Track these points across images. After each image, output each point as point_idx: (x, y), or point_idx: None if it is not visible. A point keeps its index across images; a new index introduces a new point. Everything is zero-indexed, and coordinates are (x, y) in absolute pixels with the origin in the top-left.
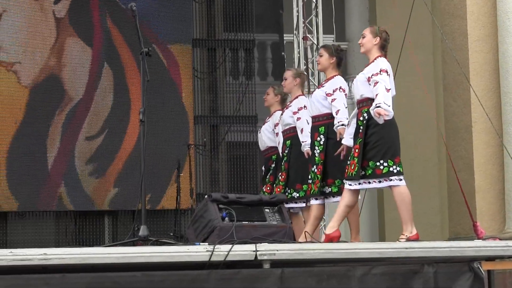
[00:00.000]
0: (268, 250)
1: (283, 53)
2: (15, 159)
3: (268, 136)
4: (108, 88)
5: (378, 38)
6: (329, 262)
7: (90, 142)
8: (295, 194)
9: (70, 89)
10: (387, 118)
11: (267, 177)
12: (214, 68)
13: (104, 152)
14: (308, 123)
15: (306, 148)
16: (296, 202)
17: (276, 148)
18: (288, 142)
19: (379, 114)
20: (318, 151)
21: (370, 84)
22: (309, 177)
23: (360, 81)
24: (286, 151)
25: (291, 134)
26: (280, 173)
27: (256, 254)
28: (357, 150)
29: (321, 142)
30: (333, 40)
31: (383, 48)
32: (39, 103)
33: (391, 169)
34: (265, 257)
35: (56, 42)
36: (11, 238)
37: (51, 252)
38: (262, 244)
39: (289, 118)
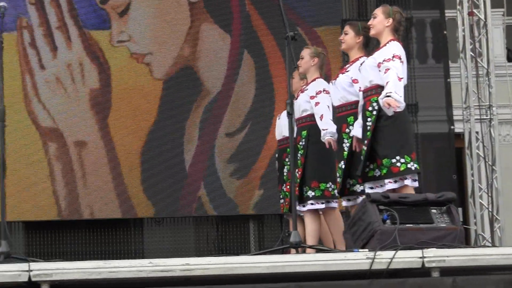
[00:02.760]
0: (437, 256)
1: (445, 32)
2: (149, 159)
3: (286, 124)
4: (249, 78)
5: (391, 20)
6: (509, 269)
7: (230, 139)
8: (310, 193)
9: (207, 81)
10: (398, 110)
11: (285, 174)
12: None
13: (247, 150)
14: (329, 109)
15: (327, 137)
16: (312, 203)
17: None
18: (304, 132)
19: (389, 105)
20: (348, 144)
21: (380, 71)
22: (337, 174)
23: (370, 66)
24: (301, 143)
25: (307, 123)
26: (296, 169)
27: (423, 261)
28: (364, 147)
29: (351, 135)
30: (503, 14)
31: (397, 31)
32: (174, 97)
33: (409, 165)
34: (434, 264)
35: (190, 29)
36: (148, 246)
37: (194, 262)
38: (430, 249)
39: (306, 103)
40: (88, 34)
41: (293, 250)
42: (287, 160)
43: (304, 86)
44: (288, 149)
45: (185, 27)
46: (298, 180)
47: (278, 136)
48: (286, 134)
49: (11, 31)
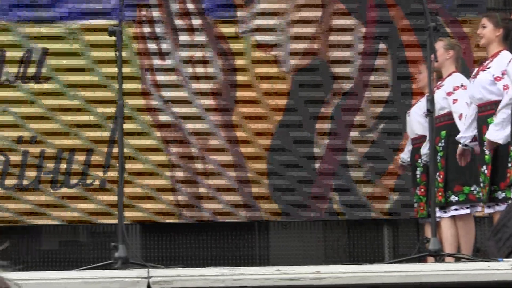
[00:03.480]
0: None
1: None
2: (277, 158)
3: (419, 120)
4: (385, 72)
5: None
6: None
7: (364, 138)
8: (454, 198)
9: (340, 74)
10: None
11: (419, 176)
12: None
13: (381, 149)
14: (468, 107)
15: (463, 141)
16: (456, 209)
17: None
18: (443, 132)
19: None
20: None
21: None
22: (480, 179)
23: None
24: (440, 144)
25: (446, 122)
26: (438, 173)
27: None
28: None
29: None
30: None
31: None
32: (304, 92)
33: None
34: None
35: (322, 19)
36: (274, 252)
37: (325, 270)
38: None
39: (443, 100)
40: (212, 23)
41: (430, 259)
42: (419, 161)
43: (440, 82)
44: (420, 149)
45: (316, 16)
46: (441, 185)
47: (411, 135)
48: (419, 132)
49: (129, 19)
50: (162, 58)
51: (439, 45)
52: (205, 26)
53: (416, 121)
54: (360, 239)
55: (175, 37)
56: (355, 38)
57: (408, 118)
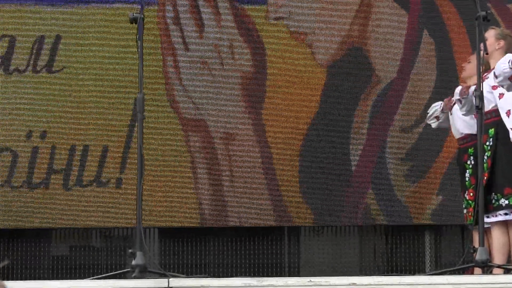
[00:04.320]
0: None
1: None
2: (309, 157)
3: (463, 118)
4: (429, 63)
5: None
6: None
7: (405, 135)
8: (503, 202)
9: (379, 66)
10: None
11: (468, 179)
12: None
13: (425, 148)
14: None
15: None
16: (506, 213)
17: (475, 136)
18: (491, 130)
19: None
20: None
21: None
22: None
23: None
24: (488, 143)
25: (493, 119)
26: (483, 174)
27: None
28: None
29: None
30: None
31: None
32: (340, 84)
33: None
34: None
35: (361, 5)
36: (306, 259)
37: (362, 282)
38: None
39: (488, 94)
40: (241, 9)
41: (477, 270)
42: (468, 162)
43: (486, 74)
44: (470, 149)
45: (354, 1)
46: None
47: (456, 134)
48: (464, 131)
49: (151, 4)
50: (186, 47)
51: (490, 34)
52: (233, 12)
53: (460, 119)
54: (399, 246)
55: (201, 24)
56: (397, 26)
57: (450, 117)
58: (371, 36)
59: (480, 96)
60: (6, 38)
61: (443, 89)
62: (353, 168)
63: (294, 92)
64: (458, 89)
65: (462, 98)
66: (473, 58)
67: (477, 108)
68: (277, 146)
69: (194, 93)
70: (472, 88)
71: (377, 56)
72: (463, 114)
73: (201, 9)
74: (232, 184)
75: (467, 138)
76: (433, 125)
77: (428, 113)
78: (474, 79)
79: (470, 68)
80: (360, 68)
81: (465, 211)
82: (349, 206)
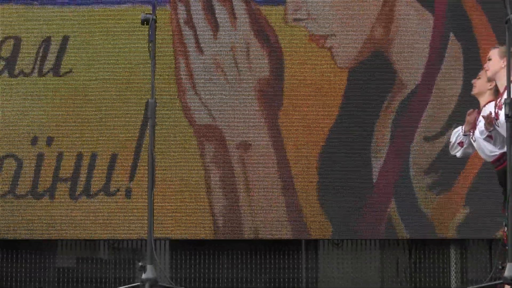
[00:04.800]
0: None
1: None
2: (329, 166)
3: (488, 143)
4: (455, 68)
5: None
6: None
7: (430, 145)
8: None
9: (403, 71)
10: None
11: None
12: None
13: (450, 158)
14: None
15: None
16: None
17: None
18: None
19: None
20: None
21: None
22: None
23: None
24: None
25: None
26: None
27: None
28: None
29: None
30: None
31: None
32: (361, 90)
33: None
34: None
35: (384, 6)
36: (324, 273)
37: None
38: None
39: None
40: (257, 9)
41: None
42: None
43: (499, 99)
44: None
45: (377, 3)
46: None
47: (487, 158)
48: (496, 152)
49: (163, 4)
50: (199, 49)
51: (494, 53)
52: (250, 13)
53: (486, 144)
54: (423, 261)
55: (215, 26)
56: (422, 29)
57: (475, 144)
58: (394, 39)
59: (510, 104)
60: (11, 40)
61: (470, 93)
62: (375, 178)
63: (312, 98)
64: (471, 117)
65: (489, 131)
66: (483, 74)
67: (507, 117)
68: (294, 154)
69: (208, 98)
70: (502, 118)
71: (401, 60)
72: (498, 148)
73: (216, 10)
74: (247, 195)
75: (502, 157)
76: (458, 154)
77: (450, 141)
78: (486, 96)
79: (480, 84)
80: (383, 73)
81: (505, 229)
82: (370, 218)
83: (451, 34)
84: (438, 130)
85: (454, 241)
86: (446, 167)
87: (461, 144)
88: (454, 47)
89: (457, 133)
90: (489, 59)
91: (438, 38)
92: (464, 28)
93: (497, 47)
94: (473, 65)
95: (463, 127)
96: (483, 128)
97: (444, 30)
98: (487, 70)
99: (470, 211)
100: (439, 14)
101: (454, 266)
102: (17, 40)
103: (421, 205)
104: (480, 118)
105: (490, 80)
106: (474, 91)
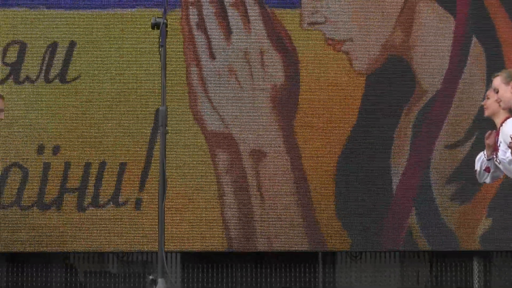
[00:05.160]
0: None
1: None
2: (346, 176)
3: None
4: (478, 74)
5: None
6: None
7: (452, 152)
8: None
9: (423, 76)
10: None
11: None
12: None
13: (472, 167)
14: None
15: None
16: None
17: None
18: None
19: None
20: None
21: None
22: None
23: None
24: None
25: None
26: None
27: None
28: None
29: None
30: None
31: None
32: (380, 96)
33: None
34: None
35: (404, 9)
36: (342, 287)
37: None
38: None
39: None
40: (272, 13)
41: None
42: None
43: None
44: None
45: (396, 5)
46: None
47: None
48: None
49: (174, 7)
50: (211, 55)
51: (497, 82)
52: (264, 16)
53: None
54: (444, 274)
55: (228, 30)
56: (443, 32)
57: (501, 166)
58: (414, 43)
59: None
60: (16, 45)
61: None
62: (394, 188)
63: (329, 105)
64: (490, 140)
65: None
66: (491, 94)
67: None
68: (310, 163)
69: (220, 104)
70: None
71: (421, 65)
72: None
73: (228, 13)
74: (261, 205)
75: None
76: (488, 181)
77: (476, 169)
78: (500, 116)
79: (491, 104)
80: (402, 78)
81: None
82: (390, 230)
83: (474, 37)
84: (460, 138)
85: (477, 253)
86: (468, 177)
87: (487, 169)
88: (476, 51)
89: (480, 160)
90: (496, 91)
91: (460, 42)
92: (487, 31)
93: (498, 75)
94: (496, 69)
95: (485, 152)
96: (505, 149)
97: (466, 33)
98: (499, 102)
99: (493, 222)
100: (461, 17)
101: (477, 279)
102: (23, 45)
103: (443, 215)
104: (500, 138)
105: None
106: (487, 113)
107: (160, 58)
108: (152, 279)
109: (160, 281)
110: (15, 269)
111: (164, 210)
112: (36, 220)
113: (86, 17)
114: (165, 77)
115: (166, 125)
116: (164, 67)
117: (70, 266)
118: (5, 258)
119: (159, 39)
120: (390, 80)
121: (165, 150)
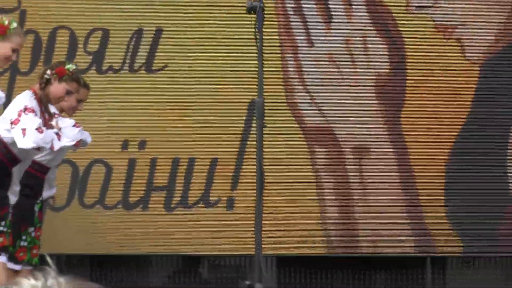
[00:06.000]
0: None
1: None
2: (458, 174)
3: None
4: None
5: None
6: None
7: None
8: None
9: None
10: None
11: None
12: None
13: None
14: None
15: None
16: None
17: None
18: None
19: None
20: None
21: None
22: None
23: None
24: None
25: None
26: None
27: None
28: None
29: None
30: None
31: None
32: (495, 87)
33: None
34: None
35: None
36: None
37: None
38: None
39: None
40: None
41: None
42: None
43: None
44: None
45: None
46: None
47: None
48: None
49: None
50: (310, 41)
51: None
52: (368, 1)
53: None
54: None
55: (328, 15)
56: None
57: None
58: None
59: None
60: (99, 32)
61: None
62: (511, 188)
63: (439, 96)
64: None
65: None
66: None
67: None
68: (419, 161)
69: (320, 96)
70: None
71: None
72: None
73: None
74: (364, 206)
75: None
76: None
77: None
78: None
79: None
80: None
81: None
82: (506, 233)
83: None
84: None
85: None
86: None
87: None
88: None
89: None
90: None
91: None
92: None
93: None
94: None
95: None
96: None
97: None
98: None
99: None
100: None
101: None
102: (105, 32)
103: None
104: None
105: None
106: None
107: (257, 45)
108: (248, 285)
109: (257, 286)
110: (97, 272)
111: (261, 211)
112: (121, 221)
113: (173, 2)
114: (262, 65)
115: (263, 118)
116: (260, 54)
117: (156, 270)
118: (89, 260)
119: (255, 25)
120: (507, 68)
121: (262, 146)
